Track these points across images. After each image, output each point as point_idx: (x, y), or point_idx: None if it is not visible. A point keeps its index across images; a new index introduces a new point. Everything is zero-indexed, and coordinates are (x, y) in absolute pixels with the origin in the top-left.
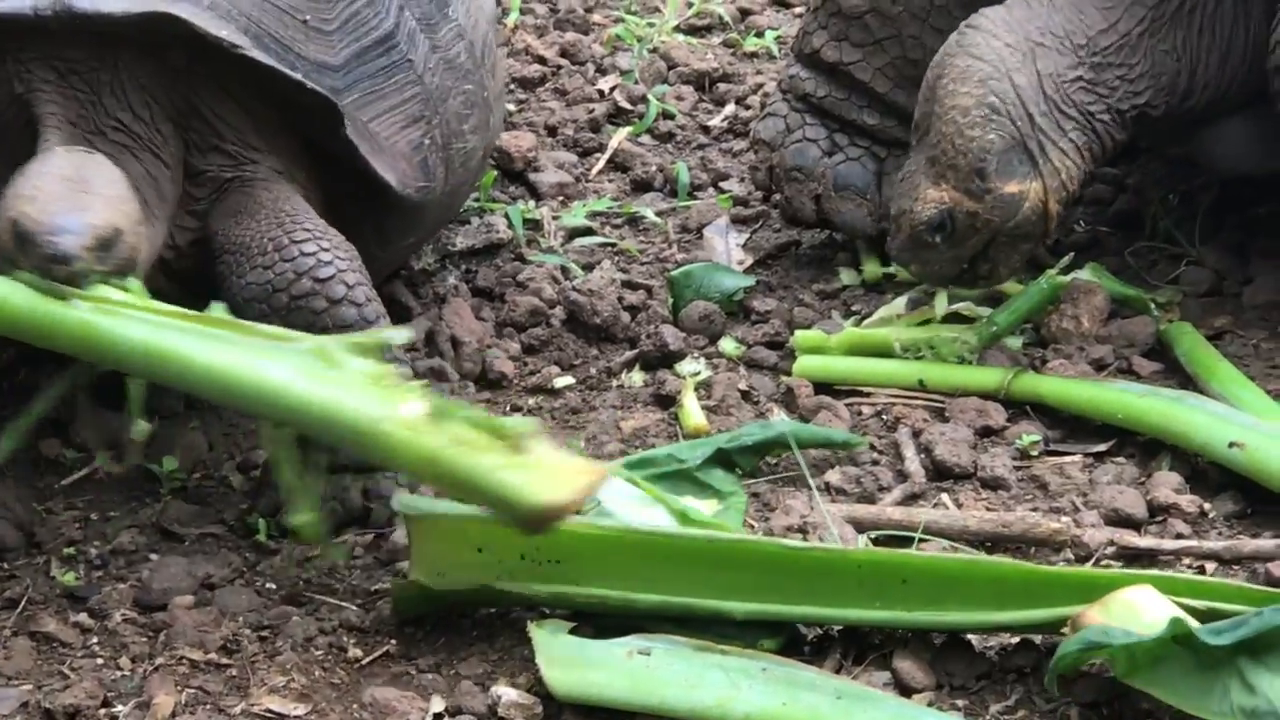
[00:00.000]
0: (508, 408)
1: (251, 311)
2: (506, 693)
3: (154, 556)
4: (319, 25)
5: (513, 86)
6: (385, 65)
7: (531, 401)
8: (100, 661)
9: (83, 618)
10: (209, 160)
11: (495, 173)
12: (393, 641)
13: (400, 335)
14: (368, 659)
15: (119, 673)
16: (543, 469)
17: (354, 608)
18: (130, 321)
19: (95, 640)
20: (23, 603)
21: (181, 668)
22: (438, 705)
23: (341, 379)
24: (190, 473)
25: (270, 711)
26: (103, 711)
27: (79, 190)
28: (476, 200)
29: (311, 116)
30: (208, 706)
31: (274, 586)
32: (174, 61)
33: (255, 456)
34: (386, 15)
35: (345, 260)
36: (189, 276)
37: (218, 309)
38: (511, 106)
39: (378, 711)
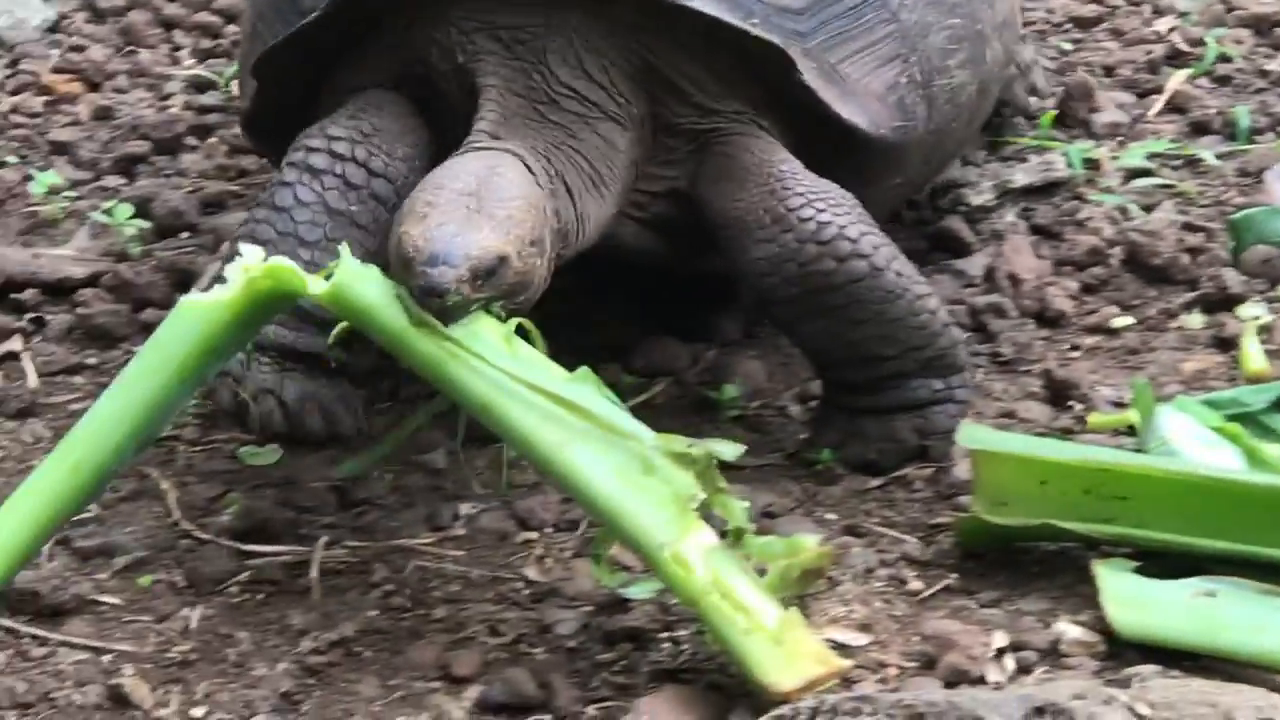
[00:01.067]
0: (1067, 346)
1: (764, 284)
2: (1069, 629)
3: None
4: None
5: (1068, 26)
6: (854, 4)
7: (1090, 341)
8: (660, 585)
9: None
10: (677, 113)
11: (1054, 111)
12: (953, 575)
13: (729, 451)
14: (928, 592)
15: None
16: (787, 647)
17: (914, 540)
18: (474, 375)
19: None
20: (583, 525)
21: None
22: (1000, 640)
23: (649, 489)
24: (749, 401)
25: (832, 641)
26: (664, 635)
27: (472, 210)
28: (1035, 139)
29: (767, 62)
30: None
31: (834, 517)
32: (623, 17)
33: (813, 388)
34: None
35: (845, 214)
36: (664, 223)
37: (576, 385)
38: (1068, 45)
39: (939, 644)
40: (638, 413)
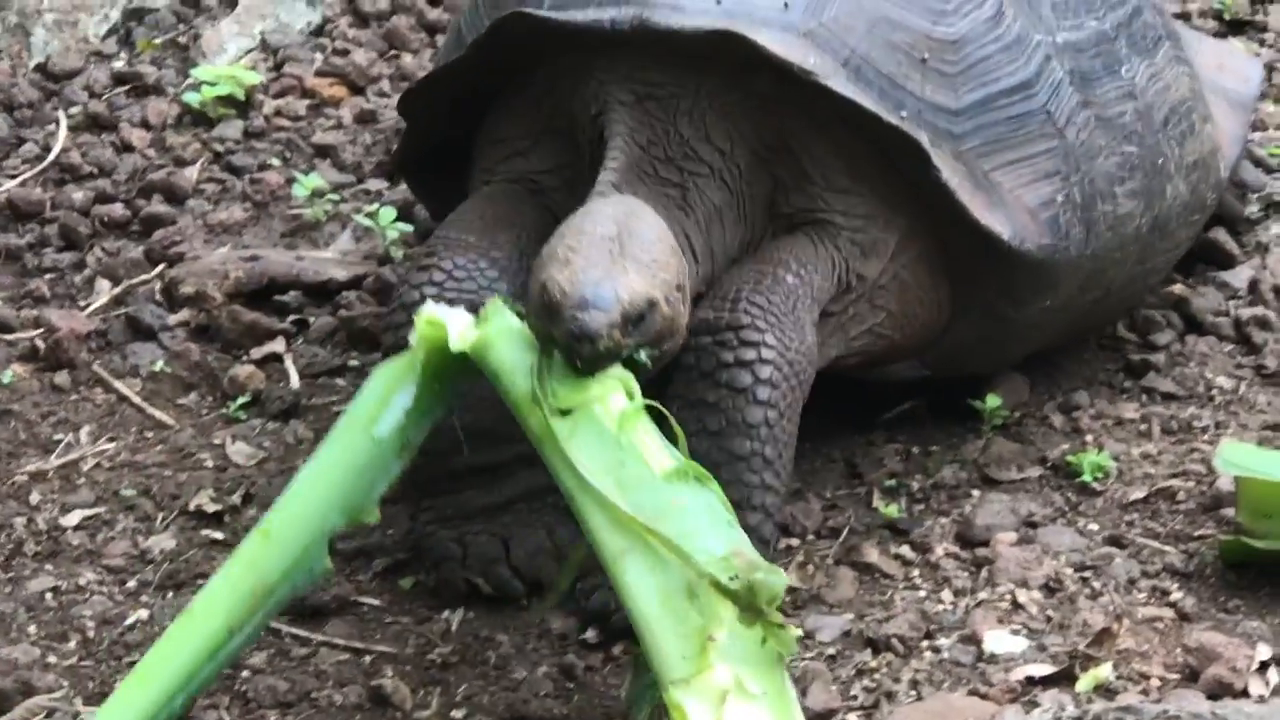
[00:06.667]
0: None
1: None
2: None
3: (975, 493)
4: (939, 68)
5: None
6: (1016, 115)
7: None
8: (922, 594)
9: (904, 550)
10: (792, 202)
11: None
12: (1216, 587)
13: (777, 583)
14: (1191, 603)
15: (941, 605)
16: None
17: (1176, 552)
18: (564, 466)
19: (917, 572)
20: (844, 532)
21: (1003, 603)
22: (1264, 653)
23: (684, 619)
24: (1012, 411)
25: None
26: (925, 643)
27: (615, 255)
28: None
29: (906, 156)
30: (1033, 645)
31: (1096, 528)
32: (760, 88)
33: (1076, 398)
34: (1026, 64)
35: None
36: None
37: (671, 484)
38: None
39: (1202, 656)
40: (901, 421)
